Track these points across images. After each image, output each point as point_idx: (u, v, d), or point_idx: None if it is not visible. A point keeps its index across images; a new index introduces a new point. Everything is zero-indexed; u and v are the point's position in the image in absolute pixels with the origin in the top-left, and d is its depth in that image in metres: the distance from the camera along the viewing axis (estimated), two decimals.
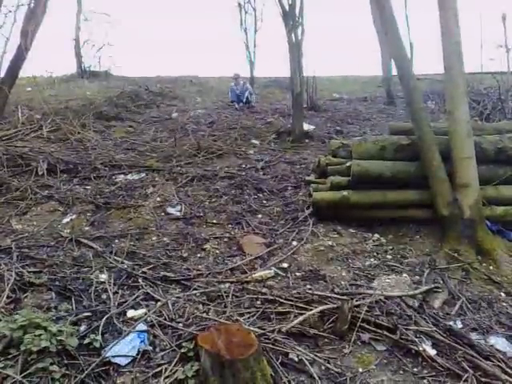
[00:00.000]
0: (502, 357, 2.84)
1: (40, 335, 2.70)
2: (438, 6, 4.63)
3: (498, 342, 3.01)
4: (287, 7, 9.59)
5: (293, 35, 9.62)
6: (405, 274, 3.92)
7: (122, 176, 6.65)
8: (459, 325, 3.23)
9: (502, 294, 3.68)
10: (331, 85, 16.47)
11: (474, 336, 3.08)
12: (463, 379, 2.63)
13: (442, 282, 3.81)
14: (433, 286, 3.71)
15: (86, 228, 4.98)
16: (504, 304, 3.53)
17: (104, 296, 3.50)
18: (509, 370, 2.71)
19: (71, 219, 5.17)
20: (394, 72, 9.91)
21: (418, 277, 3.91)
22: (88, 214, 5.31)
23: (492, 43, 14.02)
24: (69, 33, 16.34)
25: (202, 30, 34.87)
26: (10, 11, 6.23)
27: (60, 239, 4.57)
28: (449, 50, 4.59)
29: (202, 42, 35.39)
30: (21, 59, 6.55)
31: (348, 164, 5.18)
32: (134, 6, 31.66)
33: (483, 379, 2.63)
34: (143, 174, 6.73)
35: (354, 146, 5.20)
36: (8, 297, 3.34)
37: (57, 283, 3.62)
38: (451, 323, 3.21)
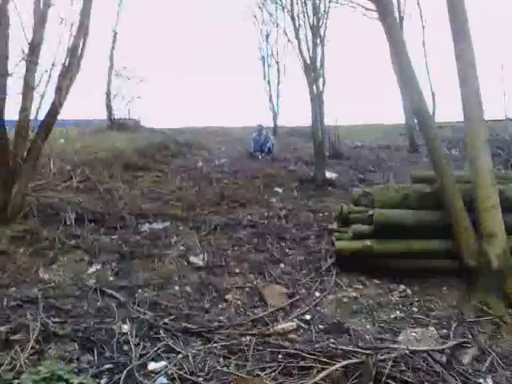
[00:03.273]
0: None
1: None
2: (455, 57, 4.72)
3: None
4: (308, 60, 9.95)
5: (314, 86, 9.92)
6: (431, 328, 3.79)
7: (147, 225, 6.77)
8: (490, 382, 3.08)
9: None
10: (353, 133, 16.64)
11: None
12: None
13: (470, 336, 3.67)
14: (461, 340, 3.58)
15: (111, 278, 5.05)
16: None
17: (126, 347, 3.49)
18: None
19: (96, 269, 5.25)
20: None
21: (445, 330, 3.78)
22: (113, 264, 5.39)
23: None
24: (100, 86, 17.07)
25: (227, 83, 36.18)
26: (47, 70, 6.59)
27: (85, 289, 4.63)
28: (468, 100, 4.62)
29: (227, 94, 36.66)
30: (54, 114, 6.92)
31: (370, 212, 5.16)
32: (164, 62, 33.19)
33: None
34: (167, 223, 6.83)
35: (376, 195, 5.21)
36: (32, 347, 3.37)
37: (80, 334, 3.64)
38: (481, 380, 3.07)
